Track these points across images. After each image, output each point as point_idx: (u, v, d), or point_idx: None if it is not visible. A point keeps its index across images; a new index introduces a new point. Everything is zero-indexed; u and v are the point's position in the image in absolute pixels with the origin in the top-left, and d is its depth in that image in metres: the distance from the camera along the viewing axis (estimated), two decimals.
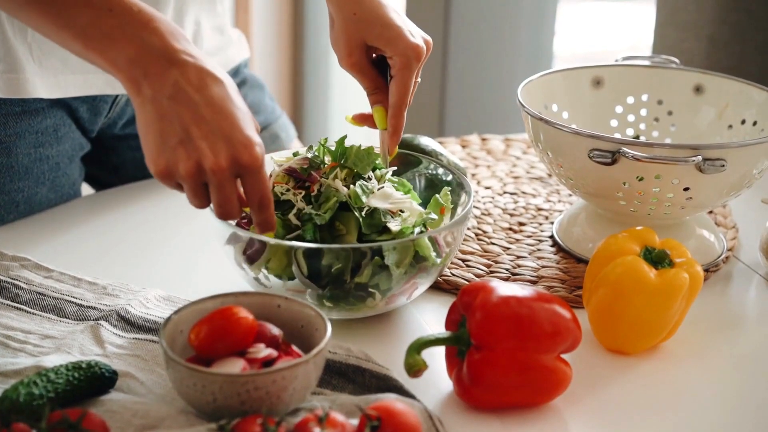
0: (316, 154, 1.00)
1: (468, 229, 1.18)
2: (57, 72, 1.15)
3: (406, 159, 1.10)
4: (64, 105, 1.19)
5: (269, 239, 0.91)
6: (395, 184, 1.01)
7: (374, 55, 1.04)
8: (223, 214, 0.87)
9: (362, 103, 1.06)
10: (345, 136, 1.00)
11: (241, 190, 0.88)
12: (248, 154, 0.84)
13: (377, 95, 1.04)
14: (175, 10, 1.21)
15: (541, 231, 1.19)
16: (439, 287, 1.06)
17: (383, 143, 1.04)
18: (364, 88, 1.04)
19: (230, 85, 0.87)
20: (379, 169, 1.01)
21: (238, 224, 0.98)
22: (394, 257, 0.91)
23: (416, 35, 1.01)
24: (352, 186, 0.96)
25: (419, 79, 1.04)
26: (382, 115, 1.03)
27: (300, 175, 0.98)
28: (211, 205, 0.87)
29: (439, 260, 0.95)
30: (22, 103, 1.14)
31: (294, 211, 0.96)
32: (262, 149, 0.86)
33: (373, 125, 1.05)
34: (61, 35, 0.88)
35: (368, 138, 1.06)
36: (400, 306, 0.99)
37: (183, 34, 0.87)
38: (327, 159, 1.00)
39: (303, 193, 0.97)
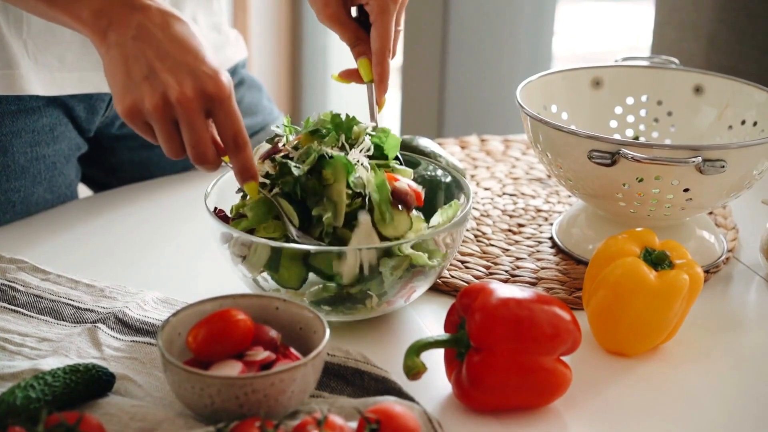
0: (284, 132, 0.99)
1: (467, 230, 1.18)
2: (53, 69, 1.14)
3: (406, 161, 1.09)
4: (61, 104, 1.18)
5: (253, 236, 0.90)
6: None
7: (353, 6, 1.04)
8: (198, 157, 0.87)
9: (362, 105, 1.06)
10: (309, 116, 0.99)
11: (217, 136, 0.87)
12: (214, 83, 0.85)
13: (360, 47, 1.04)
14: (171, 5, 1.21)
15: (541, 232, 1.18)
16: (438, 289, 1.05)
17: (371, 96, 1.04)
18: (346, 41, 1.04)
19: (193, 26, 0.88)
20: (357, 125, 0.98)
21: (218, 214, 0.97)
22: (389, 265, 0.91)
23: None
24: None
25: (401, 28, 1.03)
26: (366, 66, 1.03)
27: (268, 152, 0.96)
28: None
29: (436, 263, 0.94)
30: (18, 101, 1.14)
31: (268, 165, 0.95)
32: (230, 81, 0.86)
33: (360, 80, 1.05)
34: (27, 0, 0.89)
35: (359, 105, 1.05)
36: (398, 308, 0.99)
37: None
38: (291, 137, 0.99)
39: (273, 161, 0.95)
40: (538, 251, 1.14)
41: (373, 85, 1.04)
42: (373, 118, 1.03)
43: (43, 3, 0.89)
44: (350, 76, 1.05)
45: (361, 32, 1.04)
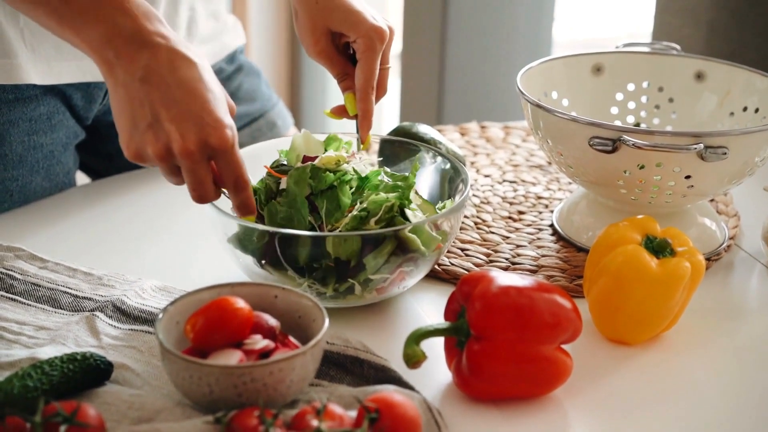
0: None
1: (467, 217, 1.17)
2: (50, 58, 1.13)
3: (406, 148, 1.09)
4: (58, 92, 1.18)
5: (250, 223, 0.90)
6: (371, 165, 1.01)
7: (342, 43, 1.04)
8: (199, 198, 0.88)
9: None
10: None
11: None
12: (217, 136, 0.84)
13: (346, 82, 1.05)
14: None
15: (541, 220, 1.18)
16: (437, 276, 1.05)
17: (358, 129, 1.05)
18: (334, 75, 1.05)
19: (203, 67, 0.87)
20: (346, 149, 1.01)
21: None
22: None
23: (379, 19, 1.02)
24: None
25: (390, 66, 1.04)
26: (352, 100, 1.04)
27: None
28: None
29: (429, 249, 0.93)
30: (16, 90, 1.13)
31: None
32: (233, 131, 0.86)
33: (348, 115, 1.05)
34: (37, 12, 0.89)
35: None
36: (395, 295, 0.98)
37: (156, 15, 0.87)
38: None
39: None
40: (538, 238, 1.13)
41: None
42: (358, 148, 1.04)
43: (54, 20, 0.88)
44: (340, 112, 1.07)
45: (348, 67, 1.05)
